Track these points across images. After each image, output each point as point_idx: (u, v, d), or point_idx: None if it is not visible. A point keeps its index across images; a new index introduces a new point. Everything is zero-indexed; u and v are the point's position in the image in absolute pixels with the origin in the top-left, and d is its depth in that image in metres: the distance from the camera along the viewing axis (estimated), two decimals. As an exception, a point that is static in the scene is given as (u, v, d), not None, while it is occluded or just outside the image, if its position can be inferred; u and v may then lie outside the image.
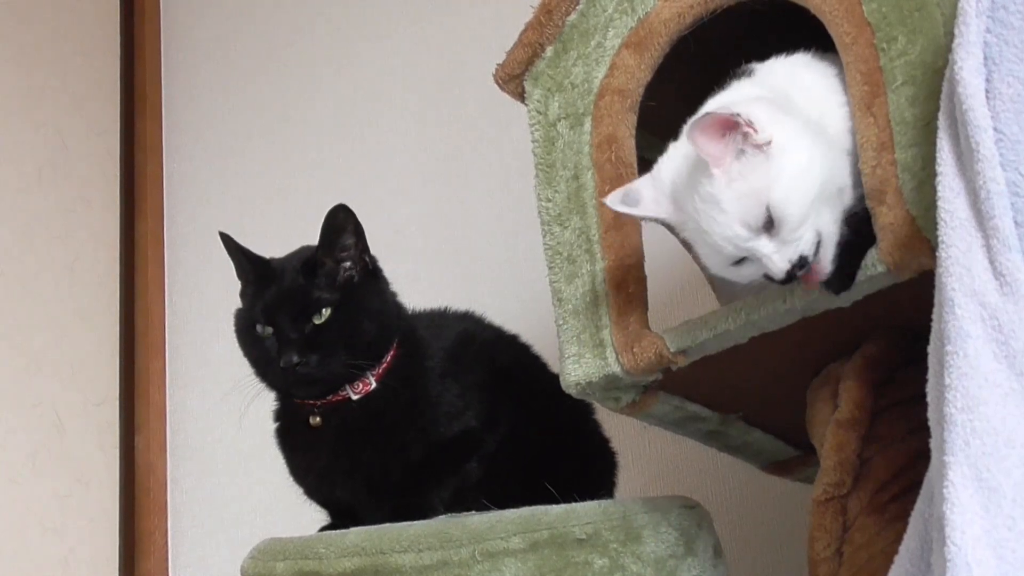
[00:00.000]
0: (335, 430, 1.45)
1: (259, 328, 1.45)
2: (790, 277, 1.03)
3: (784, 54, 1.18)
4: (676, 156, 1.12)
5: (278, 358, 1.41)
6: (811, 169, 1.03)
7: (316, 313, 1.42)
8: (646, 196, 1.11)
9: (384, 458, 1.44)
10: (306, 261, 1.46)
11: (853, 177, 1.07)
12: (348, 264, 1.47)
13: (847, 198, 1.07)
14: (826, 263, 1.04)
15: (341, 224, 1.45)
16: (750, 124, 1.02)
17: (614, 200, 1.13)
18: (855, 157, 1.07)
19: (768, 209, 1.01)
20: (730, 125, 1.02)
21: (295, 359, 1.40)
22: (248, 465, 2.58)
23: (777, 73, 1.16)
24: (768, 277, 1.04)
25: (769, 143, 1.02)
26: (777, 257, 1.02)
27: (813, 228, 1.03)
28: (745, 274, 1.07)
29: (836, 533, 1.19)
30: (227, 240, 1.49)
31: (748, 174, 1.02)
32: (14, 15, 2.86)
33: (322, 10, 2.81)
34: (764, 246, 1.02)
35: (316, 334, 1.42)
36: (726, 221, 1.03)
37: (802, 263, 1.02)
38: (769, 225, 1.02)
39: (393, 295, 1.53)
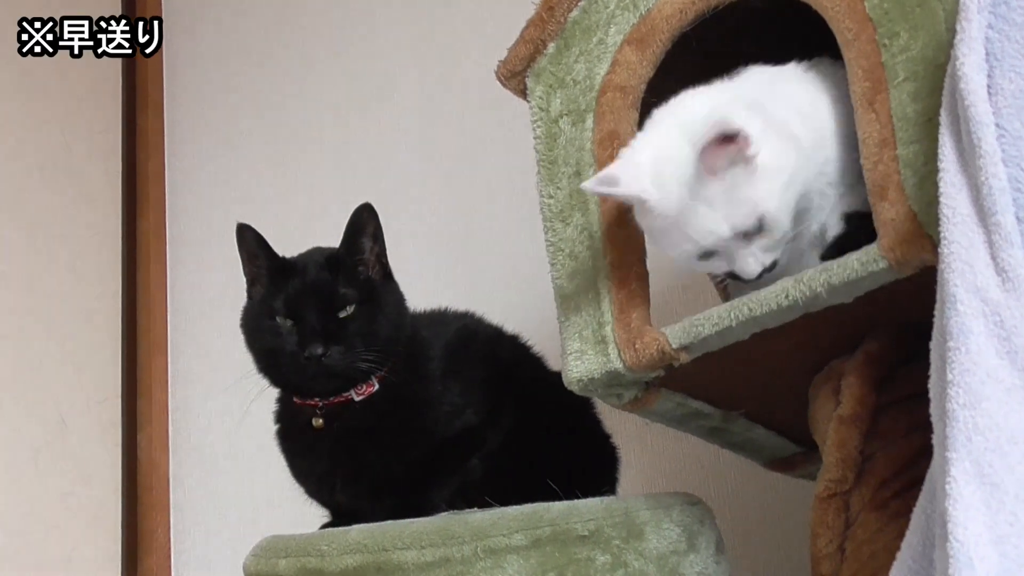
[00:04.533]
0: (337, 432, 1.45)
1: (279, 320, 1.44)
2: (758, 277, 1.13)
3: (769, 64, 1.22)
4: (656, 143, 1.17)
5: (301, 349, 1.41)
6: (793, 184, 1.11)
7: (342, 308, 1.43)
8: (624, 177, 1.14)
9: (386, 459, 1.44)
10: (329, 258, 1.47)
11: (841, 176, 1.14)
12: (368, 264, 1.48)
13: (837, 199, 1.15)
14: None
15: (364, 224, 1.47)
16: (746, 140, 1.07)
17: (591, 184, 1.16)
18: (842, 161, 1.14)
19: (761, 219, 1.09)
20: (731, 140, 1.07)
21: (320, 350, 1.40)
22: (250, 462, 2.58)
23: (757, 80, 1.21)
24: (733, 274, 1.14)
25: (756, 156, 1.08)
26: (752, 260, 1.12)
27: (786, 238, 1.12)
28: (710, 267, 1.17)
29: (838, 529, 1.19)
30: (246, 231, 1.49)
31: (741, 184, 1.09)
32: (15, 14, 2.86)
33: (324, 7, 2.81)
34: (743, 247, 1.11)
35: (340, 328, 1.42)
36: (715, 219, 1.10)
37: (772, 267, 1.13)
38: (754, 232, 1.10)
39: (403, 298, 1.54)
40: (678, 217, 1.11)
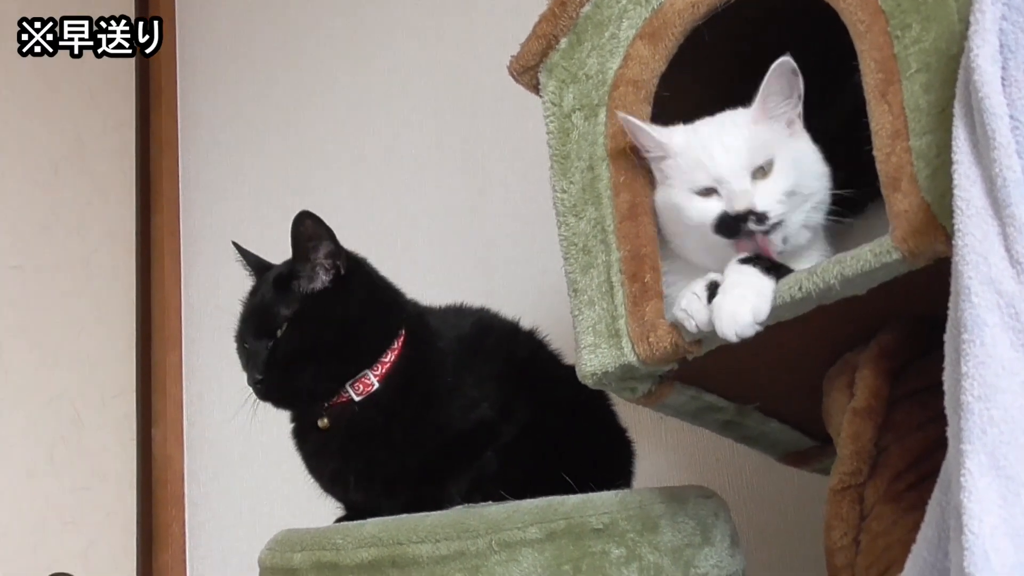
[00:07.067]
0: (343, 432, 1.45)
1: (238, 344, 1.47)
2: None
3: None
4: None
5: (247, 375, 1.43)
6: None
7: (277, 329, 1.42)
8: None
9: (397, 455, 1.44)
10: (279, 275, 1.46)
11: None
12: (325, 268, 1.45)
13: None
14: None
15: (306, 232, 1.44)
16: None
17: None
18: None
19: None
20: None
21: (257, 376, 1.40)
22: (265, 457, 2.59)
23: None
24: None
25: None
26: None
27: None
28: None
29: (853, 522, 1.19)
30: (239, 250, 1.50)
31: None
32: (30, 12, 2.87)
33: (336, 4, 2.81)
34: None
35: (275, 350, 1.41)
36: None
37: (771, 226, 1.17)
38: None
39: (385, 291, 1.52)
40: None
